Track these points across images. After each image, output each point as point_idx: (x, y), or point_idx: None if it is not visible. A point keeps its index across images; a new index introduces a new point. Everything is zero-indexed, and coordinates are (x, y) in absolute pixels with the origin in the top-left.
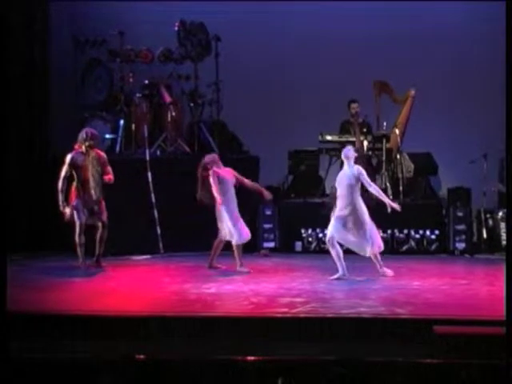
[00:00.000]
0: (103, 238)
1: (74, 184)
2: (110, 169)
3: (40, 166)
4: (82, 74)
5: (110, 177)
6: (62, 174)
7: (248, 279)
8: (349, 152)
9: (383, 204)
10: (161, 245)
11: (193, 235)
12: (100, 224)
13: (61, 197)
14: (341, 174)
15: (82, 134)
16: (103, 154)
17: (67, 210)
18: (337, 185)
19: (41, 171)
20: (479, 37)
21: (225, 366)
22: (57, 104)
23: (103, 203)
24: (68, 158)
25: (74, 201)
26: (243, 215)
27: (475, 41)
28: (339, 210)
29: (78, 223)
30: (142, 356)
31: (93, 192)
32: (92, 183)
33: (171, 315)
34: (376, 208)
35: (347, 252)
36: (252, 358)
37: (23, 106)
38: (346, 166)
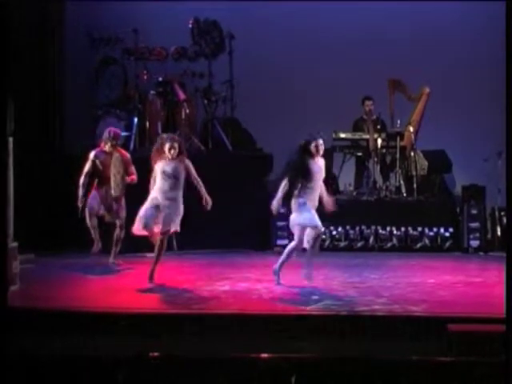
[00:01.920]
0: (120, 237)
1: (96, 181)
2: (133, 169)
3: (55, 164)
4: (96, 72)
5: (133, 177)
6: (85, 169)
7: (261, 277)
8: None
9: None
10: (175, 242)
11: (207, 233)
12: (117, 223)
13: (81, 192)
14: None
15: (106, 133)
16: (127, 154)
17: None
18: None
19: (56, 169)
20: (494, 35)
21: (238, 363)
22: (71, 101)
23: (123, 201)
24: (91, 154)
25: (92, 192)
26: (257, 213)
27: (490, 39)
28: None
29: (87, 208)
30: (155, 353)
31: (113, 192)
32: (112, 183)
33: (185, 312)
34: (390, 205)
35: (360, 249)
36: (265, 355)
37: (38, 104)
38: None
